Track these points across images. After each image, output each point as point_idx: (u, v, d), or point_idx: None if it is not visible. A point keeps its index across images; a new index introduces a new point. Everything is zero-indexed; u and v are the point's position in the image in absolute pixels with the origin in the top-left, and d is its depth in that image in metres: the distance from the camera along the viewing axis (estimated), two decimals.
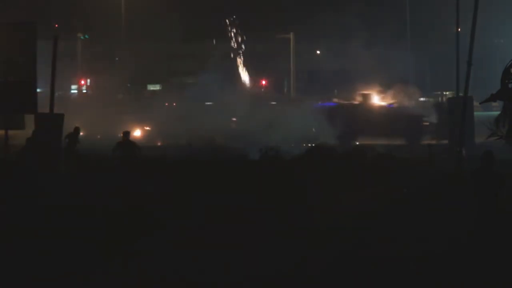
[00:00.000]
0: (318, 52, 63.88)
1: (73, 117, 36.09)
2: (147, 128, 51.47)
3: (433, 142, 34.07)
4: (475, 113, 31.46)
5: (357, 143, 36.72)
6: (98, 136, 41.17)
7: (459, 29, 29.83)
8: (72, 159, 26.52)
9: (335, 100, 45.22)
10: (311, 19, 57.80)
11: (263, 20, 59.66)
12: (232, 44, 56.27)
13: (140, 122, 50.81)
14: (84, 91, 63.13)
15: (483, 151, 14.52)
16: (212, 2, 58.05)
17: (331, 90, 53.88)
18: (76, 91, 62.56)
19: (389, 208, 17.34)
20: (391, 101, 41.80)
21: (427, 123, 38.93)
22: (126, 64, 58.14)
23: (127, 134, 27.35)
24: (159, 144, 45.05)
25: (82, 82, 62.62)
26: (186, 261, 13.25)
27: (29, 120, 27.86)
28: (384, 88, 42.59)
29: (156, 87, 63.45)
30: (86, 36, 60.74)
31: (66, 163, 25.87)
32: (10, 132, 27.18)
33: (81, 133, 28.68)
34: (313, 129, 37.62)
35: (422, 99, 47.88)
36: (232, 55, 56.45)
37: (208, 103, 46.74)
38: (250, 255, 13.57)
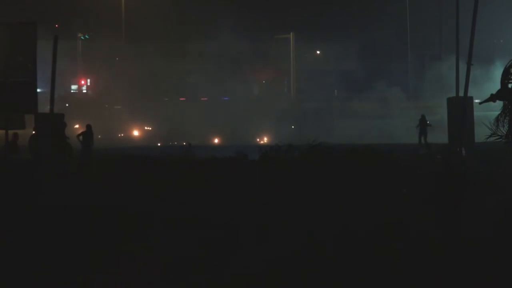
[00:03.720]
0: None
1: (74, 117, 36.21)
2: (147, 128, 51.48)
3: None
4: (475, 113, 31.45)
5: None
6: (99, 136, 41.20)
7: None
8: (86, 160, 26.84)
9: None
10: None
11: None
12: None
13: (142, 122, 50.87)
14: (84, 91, 63.11)
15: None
16: (212, 2, 58.04)
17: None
18: (76, 91, 62.53)
19: (389, 208, 17.35)
20: None
21: None
22: (126, 63, 58.09)
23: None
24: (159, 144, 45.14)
25: (82, 82, 62.60)
26: (185, 260, 13.26)
27: (29, 120, 27.90)
28: None
29: None
30: (87, 36, 60.63)
31: (82, 163, 26.31)
32: (10, 132, 27.19)
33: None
34: None
35: None
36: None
37: None
38: (249, 254, 13.59)
